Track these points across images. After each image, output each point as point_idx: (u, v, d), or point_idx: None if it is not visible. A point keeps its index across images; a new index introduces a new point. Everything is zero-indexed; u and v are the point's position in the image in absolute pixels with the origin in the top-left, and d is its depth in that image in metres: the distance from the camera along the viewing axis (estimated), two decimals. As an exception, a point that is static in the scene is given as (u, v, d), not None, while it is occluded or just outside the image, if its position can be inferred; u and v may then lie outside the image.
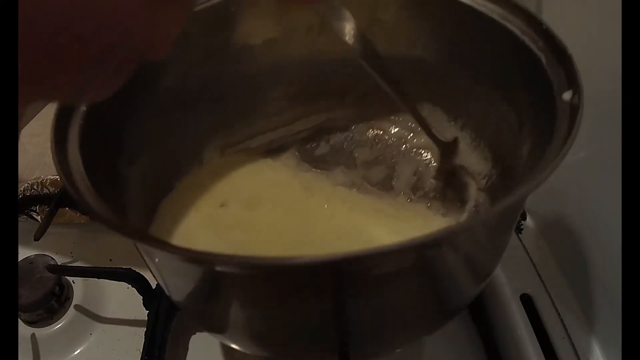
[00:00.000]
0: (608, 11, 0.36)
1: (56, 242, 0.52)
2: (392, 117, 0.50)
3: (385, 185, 0.46)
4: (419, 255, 0.25)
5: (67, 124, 0.30)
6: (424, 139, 0.47)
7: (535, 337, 0.39)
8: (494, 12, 0.36)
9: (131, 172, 0.36)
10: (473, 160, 0.44)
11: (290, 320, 0.30)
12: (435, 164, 0.46)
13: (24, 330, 0.45)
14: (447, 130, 0.46)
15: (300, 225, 0.41)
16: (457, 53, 0.41)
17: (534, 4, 0.47)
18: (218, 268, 0.24)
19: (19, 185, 0.57)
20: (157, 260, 0.29)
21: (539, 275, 0.45)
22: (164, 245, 0.23)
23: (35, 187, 0.58)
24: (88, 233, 0.55)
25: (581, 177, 0.41)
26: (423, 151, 0.48)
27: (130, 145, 0.36)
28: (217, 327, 0.34)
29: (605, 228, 0.38)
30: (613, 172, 0.36)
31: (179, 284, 0.32)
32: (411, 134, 0.49)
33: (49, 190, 0.57)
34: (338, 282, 0.26)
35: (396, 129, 0.49)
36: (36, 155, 0.65)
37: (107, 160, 0.33)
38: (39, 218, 0.57)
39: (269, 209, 0.42)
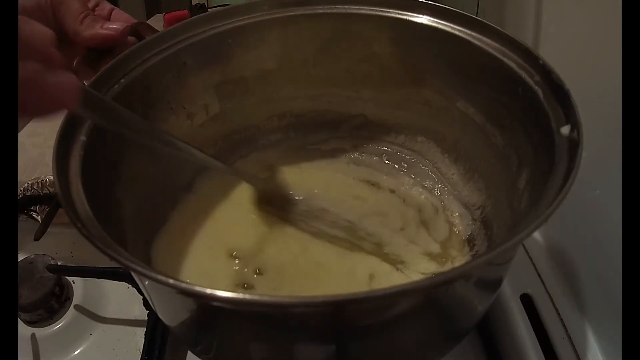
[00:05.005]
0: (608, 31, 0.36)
1: (56, 242, 0.52)
2: (386, 149, 0.50)
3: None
4: (430, 294, 0.25)
5: (69, 152, 0.30)
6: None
7: (535, 337, 0.39)
8: (490, 46, 0.35)
9: (127, 201, 0.36)
10: (467, 191, 0.44)
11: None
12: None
13: (24, 330, 0.45)
14: (442, 162, 0.47)
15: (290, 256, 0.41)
16: (452, 86, 0.41)
17: (531, 36, 0.47)
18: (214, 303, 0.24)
19: (19, 185, 0.58)
20: (147, 284, 0.29)
21: (539, 275, 0.45)
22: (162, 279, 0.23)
23: (35, 187, 0.58)
24: (88, 233, 0.55)
25: (581, 177, 0.41)
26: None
27: (126, 174, 0.36)
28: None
29: (605, 228, 0.38)
30: (613, 172, 0.36)
31: (171, 313, 0.32)
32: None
33: (49, 190, 0.57)
34: (342, 322, 0.26)
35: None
36: (36, 155, 0.64)
37: (105, 188, 0.33)
38: (39, 218, 0.57)
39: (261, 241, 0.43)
